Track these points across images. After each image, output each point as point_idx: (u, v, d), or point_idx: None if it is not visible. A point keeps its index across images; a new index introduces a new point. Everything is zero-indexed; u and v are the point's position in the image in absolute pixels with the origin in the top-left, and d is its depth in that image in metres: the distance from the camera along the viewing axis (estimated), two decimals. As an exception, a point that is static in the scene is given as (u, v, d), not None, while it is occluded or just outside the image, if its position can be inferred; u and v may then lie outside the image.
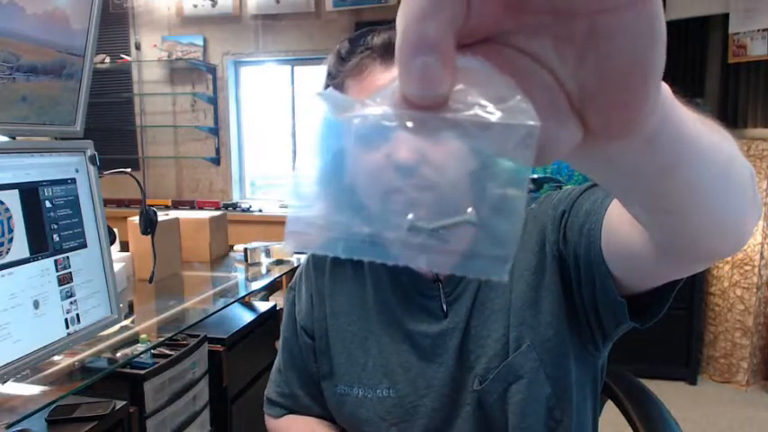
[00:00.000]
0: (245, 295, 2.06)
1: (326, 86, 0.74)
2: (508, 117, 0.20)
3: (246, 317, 2.06)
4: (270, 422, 0.88)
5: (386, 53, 0.68)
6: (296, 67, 4.18)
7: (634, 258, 0.52)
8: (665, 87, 0.26)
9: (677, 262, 0.46)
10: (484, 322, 0.73)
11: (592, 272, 0.62)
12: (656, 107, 0.24)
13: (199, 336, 1.71)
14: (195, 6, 4.10)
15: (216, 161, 4.31)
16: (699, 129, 0.31)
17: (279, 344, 0.89)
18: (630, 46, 0.20)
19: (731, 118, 3.16)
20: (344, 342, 0.79)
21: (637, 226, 0.43)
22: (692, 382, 3.04)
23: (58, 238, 0.98)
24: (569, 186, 0.74)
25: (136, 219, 1.68)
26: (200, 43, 4.16)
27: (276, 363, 0.89)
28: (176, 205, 4.04)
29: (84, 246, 1.04)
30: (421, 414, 0.74)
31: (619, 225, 0.54)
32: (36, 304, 0.93)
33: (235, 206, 3.98)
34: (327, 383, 0.80)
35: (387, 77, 0.67)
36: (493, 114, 0.20)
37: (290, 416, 0.85)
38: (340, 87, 0.71)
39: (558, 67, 0.21)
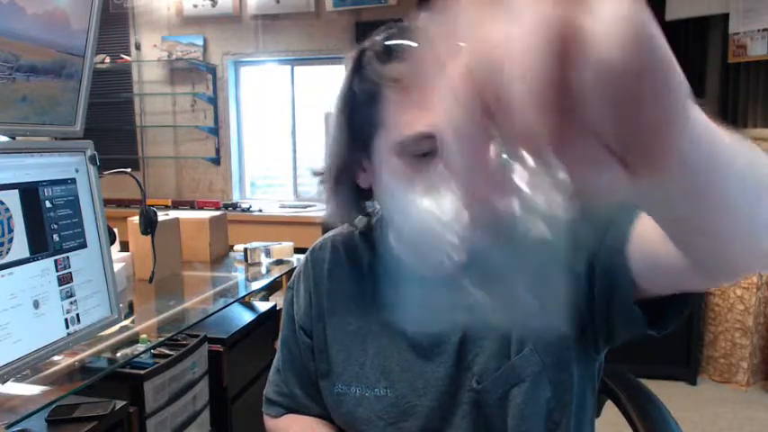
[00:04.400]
0: (245, 295, 2.06)
1: (351, 93, 0.66)
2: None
3: (246, 317, 2.06)
4: (269, 422, 0.88)
5: None
6: (296, 67, 4.18)
7: (662, 270, 0.51)
8: (694, 107, 0.26)
9: (710, 277, 0.45)
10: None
11: (612, 280, 0.60)
12: (686, 126, 0.25)
13: (199, 336, 1.71)
14: (195, 6, 4.10)
15: (216, 161, 4.31)
16: (732, 147, 0.31)
17: (278, 343, 0.89)
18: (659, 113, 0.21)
19: (731, 118, 3.16)
20: (343, 341, 0.79)
21: (669, 241, 0.42)
22: (692, 382, 3.03)
23: (57, 238, 0.98)
24: None
25: (136, 219, 1.68)
26: (200, 43, 4.16)
27: (275, 362, 0.89)
28: (176, 205, 4.04)
29: (84, 246, 1.04)
30: (418, 413, 0.74)
31: (649, 237, 0.52)
32: (36, 304, 0.93)
33: (235, 206, 3.98)
34: (325, 382, 0.80)
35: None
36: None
37: (290, 415, 0.85)
38: (375, 97, 0.63)
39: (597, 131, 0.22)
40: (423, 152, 0.61)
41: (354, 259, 0.81)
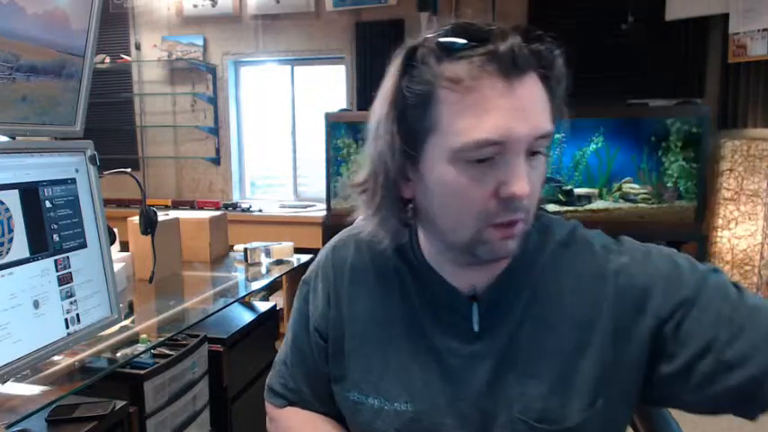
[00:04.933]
0: (245, 295, 2.06)
1: (400, 95, 0.61)
2: None
3: (246, 317, 2.06)
4: (271, 410, 0.86)
5: (512, 65, 0.56)
6: (296, 67, 4.18)
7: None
8: None
9: None
10: (531, 358, 0.67)
11: (711, 386, 0.61)
12: None
13: (199, 336, 1.71)
14: (195, 6, 4.10)
15: (216, 161, 4.31)
16: None
17: (286, 335, 0.86)
18: None
19: (731, 118, 3.16)
20: (362, 349, 0.74)
21: None
22: (692, 382, 3.04)
23: (57, 238, 0.98)
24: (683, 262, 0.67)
25: (136, 219, 1.68)
26: (201, 43, 4.16)
27: (282, 354, 0.86)
28: (176, 205, 4.03)
29: (84, 246, 1.04)
30: None
31: None
32: (36, 304, 0.93)
33: (235, 206, 3.97)
34: (338, 387, 0.77)
35: (507, 100, 0.57)
36: None
37: (293, 408, 0.84)
38: (428, 99, 0.59)
39: None
40: (479, 158, 0.58)
41: (380, 264, 0.76)
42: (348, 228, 0.83)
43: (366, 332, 0.75)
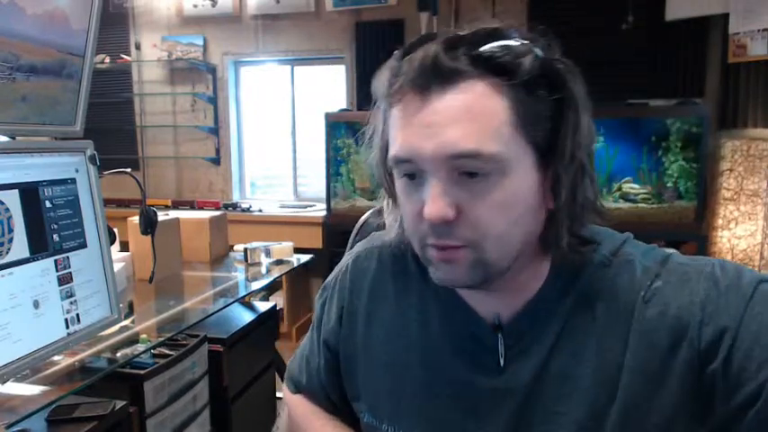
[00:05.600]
0: (245, 295, 2.06)
1: (377, 109, 0.62)
2: None
3: (246, 317, 2.06)
4: (286, 392, 0.86)
5: (432, 76, 0.54)
6: (296, 67, 4.18)
7: None
8: None
9: None
10: (560, 395, 0.60)
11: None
12: None
13: (199, 336, 1.71)
14: (195, 6, 4.10)
15: (216, 161, 4.31)
16: None
17: (309, 330, 0.84)
18: None
19: (731, 118, 3.16)
20: (376, 374, 0.71)
21: None
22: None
23: (57, 238, 0.98)
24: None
25: (136, 219, 1.68)
26: (201, 43, 4.16)
27: (304, 345, 0.84)
28: (176, 205, 4.04)
29: (84, 246, 1.04)
30: None
31: None
32: (36, 304, 0.93)
33: (235, 206, 3.97)
34: (356, 405, 0.75)
35: (418, 117, 0.54)
36: None
37: (299, 396, 0.84)
38: (387, 113, 0.60)
39: None
40: (406, 173, 0.57)
41: (402, 281, 0.72)
42: (378, 233, 0.79)
43: (381, 357, 0.71)
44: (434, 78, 0.53)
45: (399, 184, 0.60)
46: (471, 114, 0.53)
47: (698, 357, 0.55)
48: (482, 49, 0.53)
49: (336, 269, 0.80)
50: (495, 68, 0.53)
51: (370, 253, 0.76)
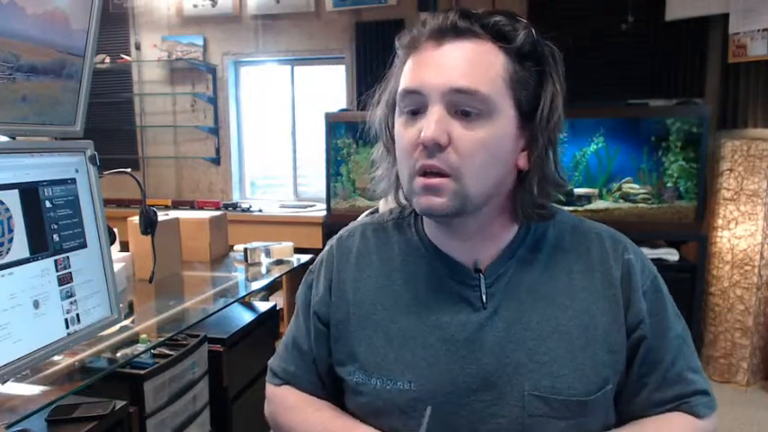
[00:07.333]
0: (245, 295, 2.06)
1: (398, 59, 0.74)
2: None
3: (246, 317, 2.06)
4: (269, 388, 0.88)
5: (448, 30, 0.67)
6: (296, 67, 4.18)
7: None
8: None
9: None
10: (539, 337, 0.70)
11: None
12: None
13: (199, 336, 1.71)
14: (195, 6, 4.10)
15: (216, 161, 4.31)
16: None
17: (291, 321, 0.88)
18: None
19: (731, 118, 3.16)
20: (366, 331, 0.76)
21: None
22: (692, 382, 3.03)
23: (57, 238, 0.98)
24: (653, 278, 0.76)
25: (136, 219, 1.68)
26: (200, 43, 4.16)
27: (285, 338, 0.87)
28: (176, 205, 4.03)
29: (84, 246, 1.04)
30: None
31: None
32: (36, 304, 0.93)
33: (235, 206, 3.97)
34: (342, 370, 0.78)
35: (433, 58, 0.67)
36: None
37: (288, 387, 0.85)
38: (402, 69, 0.71)
39: None
40: (410, 109, 0.68)
41: (385, 249, 0.80)
42: (358, 220, 0.88)
43: (371, 314, 0.77)
44: (450, 32, 0.67)
45: (399, 122, 0.70)
46: (475, 62, 0.65)
47: (633, 325, 0.73)
48: (490, 18, 0.67)
49: (320, 254, 0.86)
50: (498, 34, 0.67)
51: (353, 231, 0.85)
